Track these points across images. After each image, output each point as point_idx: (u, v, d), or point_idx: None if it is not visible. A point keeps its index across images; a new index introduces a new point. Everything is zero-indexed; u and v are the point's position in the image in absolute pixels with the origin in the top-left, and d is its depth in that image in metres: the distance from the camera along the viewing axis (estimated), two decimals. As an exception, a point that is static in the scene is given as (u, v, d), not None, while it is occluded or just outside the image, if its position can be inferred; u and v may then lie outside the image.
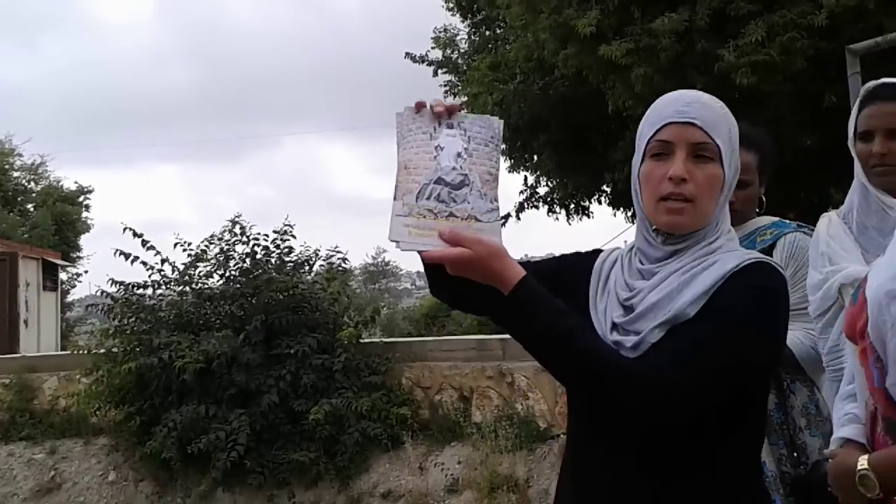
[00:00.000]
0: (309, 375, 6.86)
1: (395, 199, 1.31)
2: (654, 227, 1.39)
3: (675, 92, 1.43)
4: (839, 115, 2.03)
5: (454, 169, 1.33)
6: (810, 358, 2.04)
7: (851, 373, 1.60)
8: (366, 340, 7.64)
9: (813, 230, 2.11)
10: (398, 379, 7.22)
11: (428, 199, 1.31)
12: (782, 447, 2.03)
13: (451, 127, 1.35)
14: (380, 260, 24.79)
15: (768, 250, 2.15)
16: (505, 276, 1.28)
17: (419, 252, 1.30)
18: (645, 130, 1.39)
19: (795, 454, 2.03)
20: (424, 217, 1.30)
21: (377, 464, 6.85)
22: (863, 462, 1.42)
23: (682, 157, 1.34)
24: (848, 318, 1.55)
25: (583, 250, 1.61)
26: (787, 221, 2.27)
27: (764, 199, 2.27)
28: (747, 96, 5.94)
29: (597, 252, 1.56)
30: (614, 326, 1.37)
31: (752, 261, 1.33)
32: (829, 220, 2.02)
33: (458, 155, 1.34)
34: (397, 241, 1.29)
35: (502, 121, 1.44)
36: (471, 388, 6.89)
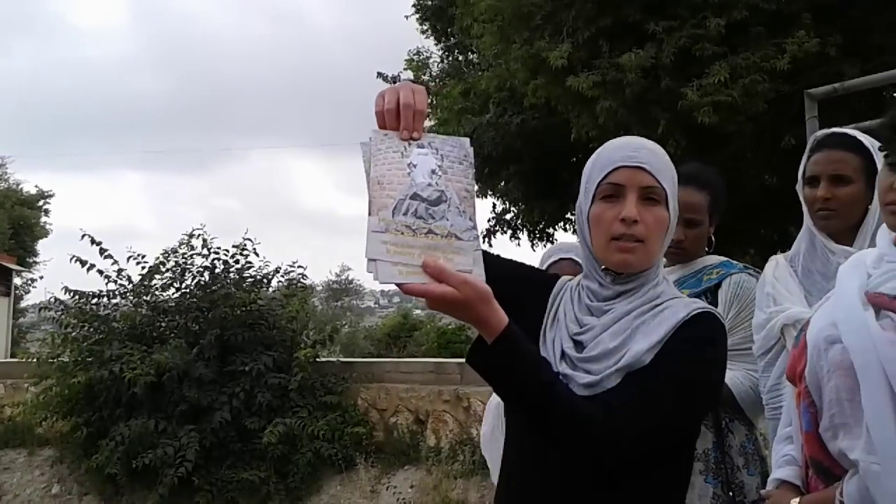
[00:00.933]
0: (263, 394, 6.78)
1: (369, 214, 1.24)
2: (602, 266, 1.43)
3: (621, 138, 1.48)
4: (798, 156, 2.09)
5: (430, 185, 1.29)
6: (749, 399, 2.08)
7: (790, 415, 1.62)
8: (323, 360, 7.58)
9: (759, 272, 2.16)
10: (354, 399, 7.17)
11: (405, 214, 1.25)
12: (716, 486, 2.05)
13: (421, 146, 1.32)
14: (343, 277, 24.62)
15: (714, 289, 2.19)
16: (490, 323, 1.25)
17: (398, 285, 1.22)
18: (594, 174, 1.42)
19: (731, 493, 2.04)
20: (402, 234, 1.24)
21: (329, 485, 6.78)
22: None
23: (633, 199, 1.38)
24: (790, 361, 1.57)
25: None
26: (734, 262, 2.31)
27: (713, 238, 2.30)
28: (711, 134, 6.04)
29: (557, 277, 1.59)
30: (563, 356, 1.39)
31: (699, 311, 1.37)
32: (776, 263, 2.07)
33: (433, 172, 1.31)
34: (374, 271, 1.21)
35: (468, 139, 1.41)
36: (427, 411, 6.86)
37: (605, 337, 1.37)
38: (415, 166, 1.29)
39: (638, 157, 1.39)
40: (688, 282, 2.23)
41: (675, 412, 1.32)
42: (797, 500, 1.45)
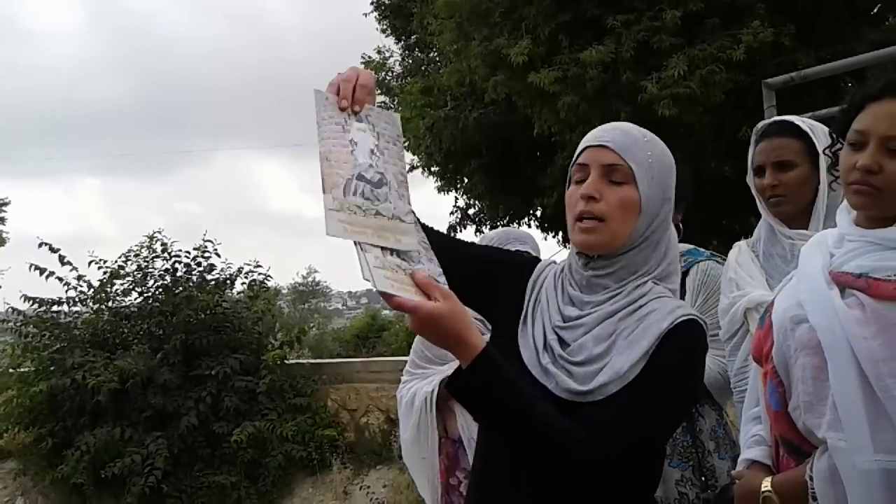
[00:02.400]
0: (231, 398, 6.70)
1: (324, 192, 1.26)
2: (577, 250, 1.43)
3: (603, 125, 1.48)
4: (757, 147, 2.13)
5: (371, 166, 1.32)
6: (718, 384, 2.11)
7: (756, 395, 1.63)
8: (291, 361, 7.51)
9: (725, 259, 2.19)
10: (324, 401, 7.12)
11: (354, 195, 1.28)
12: (685, 469, 2.07)
13: (360, 120, 1.36)
14: (310, 279, 24.46)
15: (681, 277, 2.21)
16: (470, 341, 1.21)
17: (383, 294, 1.18)
18: (573, 160, 1.44)
19: (704, 478, 2.07)
20: (355, 213, 1.26)
21: (300, 488, 6.72)
22: (766, 484, 1.45)
23: (594, 176, 1.37)
24: (755, 342, 1.59)
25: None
26: (702, 250, 2.34)
27: (681, 226, 2.32)
28: (671, 126, 6.12)
29: (536, 261, 1.56)
30: (546, 347, 1.37)
31: (683, 320, 1.33)
32: (738, 249, 2.12)
33: (372, 152, 1.34)
34: (371, 279, 1.18)
35: (399, 115, 1.45)
36: (397, 410, 6.83)
37: (589, 341, 1.34)
38: (356, 144, 1.33)
39: (603, 137, 1.39)
40: None
41: (658, 428, 1.32)
42: (768, 479, 1.46)
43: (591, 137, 1.41)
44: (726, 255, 2.18)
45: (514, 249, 2.22)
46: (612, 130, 1.41)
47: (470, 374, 1.21)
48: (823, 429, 1.32)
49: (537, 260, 1.57)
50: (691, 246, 2.35)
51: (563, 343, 1.37)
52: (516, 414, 1.22)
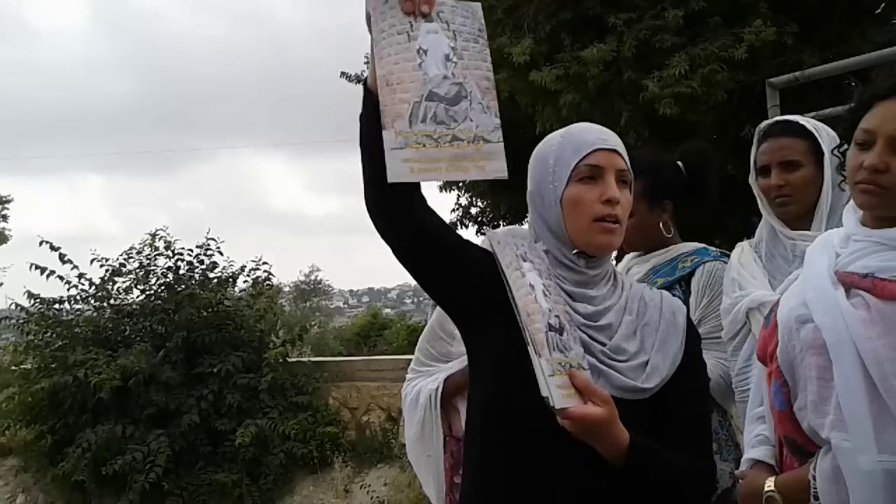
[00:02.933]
0: (233, 395, 6.72)
1: (384, 128, 1.08)
2: (574, 250, 1.42)
3: (581, 124, 1.51)
4: (760, 146, 2.12)
5: (446, 77, 1.13)
6: (720, 388, 2.09)
7: (760, 395, 1.63)
8: (293, 360, 7.52)
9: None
10: (325, 399, 7.13)
11: (423, 122, 1.10)
12: None
13: (430, 21, 1.14)
14: (312, 278, 24.48)
15: (687, 277, 2.19)
16: (620, 436, 1.26)
17: (556, 408, 1.14)
18: (567, 157, 1.42)
19: None
20: (424, 146, 1.09)
21: (301, 485, 6.73)
22: (769, 484, 1.45)
23: (612, 180, 1.40)
24: (760, 341, 1.58)
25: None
26: (710, 250, 2.29)
27: (669, 224, 2.27)
28: (673, 125, 6.11)
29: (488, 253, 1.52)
30: (583, 347, 1.35)
31: (685, 310, 1.51)
32: (741, 249, 2.11)
33: (447, 58, 1.14)
34: (549, 396, 1.12)
35: (479, 4, 1.22)
36: (399, 408, 6.82)
37: (621, 339, 1.39)
38: (425, 53, 1.13)
39: (610, 141, 1.43)
40: (662, 270, 2.23)
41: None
42: (772, 479, 1.46)
43: (596, 140, 1.42)
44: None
45: None
46: (610, 135, 1.45)
47: (623, 470, 1.27)
48: (827, 429, 1.32)
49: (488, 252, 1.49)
50: (700, 245, 2.31)
51: (599, 342, 1.38)
52: (668, 481, 1.34)
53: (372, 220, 1.35)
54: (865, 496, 1.25)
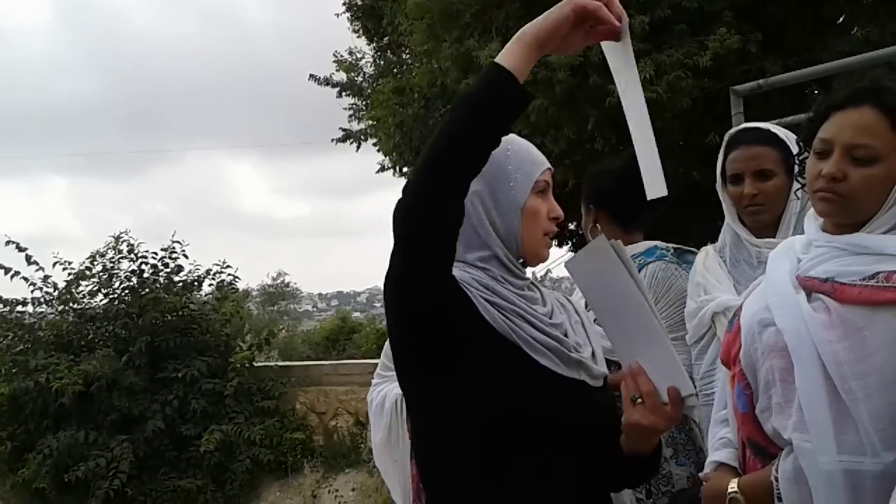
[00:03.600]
0: (198, 400, 6.65)
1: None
2: (520, 258, 1.47)
3: (519, 139, 1.52)
4: (724, 153, 2.14)
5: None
6: None
7: (724, 398, 1.65)
8: (260, 364, 7.46)
9: (692, 251, 2.21)
10: (292, 404, 7.08)
11: None
12: None
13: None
14: (279, 281, 24.28)
15: None
16: None
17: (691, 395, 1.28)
18: (529, 169, 1.45)
19: (658, 484, 2.07)
20: None
21: (268, 491, 6.68)
22: (733, 485, 1.47)
23: (553, 199, 1.51)
24: (724, 345, 1.61)
25: None
26: (658, 248, 2.30)
27: (596, 229, 2.32)
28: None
29: None
30: (562, 344, 1.40)
31: (580, 304, 1.61)
32: (706, 254, 2.14)
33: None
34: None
35: None
36: (367, 413, 6.79)
37: (572, 333, 1.46)
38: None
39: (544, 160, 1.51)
40: None
41: None
42: (735, 480, 1.48)
43: (543, 159, 1.49)
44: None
45: None
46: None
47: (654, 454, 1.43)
48: (789, 430, 1.34)
49: None
50: (651, 244, 2.31)
51: (565, 338, 1.43)
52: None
53: (413, 213, 1.24)
54: (827, 496, 1.27)
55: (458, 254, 1.34)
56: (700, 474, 1.72)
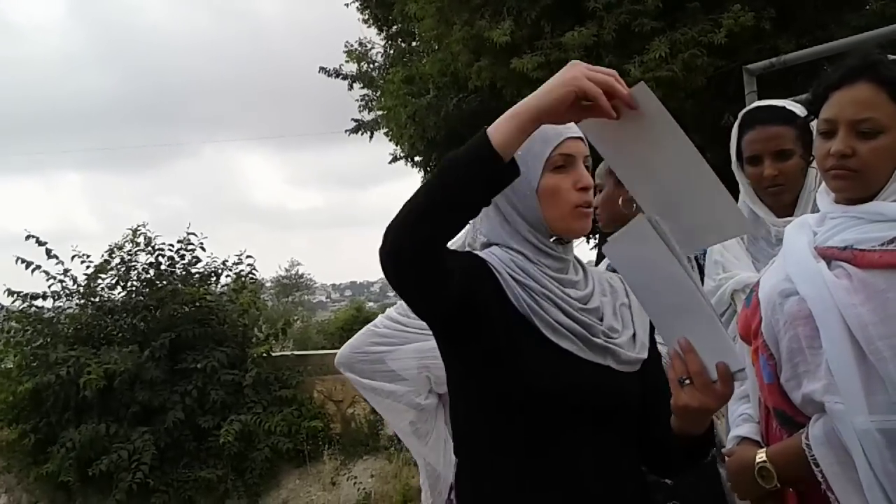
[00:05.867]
0: (217, 391, 6.69)
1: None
2: (553, 237, 1.44)
3: None
4: (737, 133, 2.11)
5: None
6: None
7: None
8: (277, 354, 7.50)
9: None
10: (310, 392, 7.11)
11: None
12: None
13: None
14: (293, 272, 24.39)
15: None
16: None
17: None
18: (538, 148, 1.42)
19: None
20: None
21: (287, 479, 6.72)
22: (761, 455, 1.50)
23: (582, 167, 1.44)
24: (742, 320, 1.62)
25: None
26: None
27: (630, 201, 2.28)
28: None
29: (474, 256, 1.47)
30: (589, 329, 1.38)
31: None
32: None
33: None
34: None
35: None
36: (384, 399, 6.83)
37: (610, 317, 1.45)
38: None
39: (574, 128, 1.42)
40: None
41: None
42: (763, 451, 1.50)
43: (563, 129, 1.42)
44: None
45: None
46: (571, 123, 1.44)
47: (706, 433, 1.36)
48: (820, 393, 1.36)
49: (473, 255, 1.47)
50: None
51: (597, 323, 1.42)
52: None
53: (400, 280, 1.29)
54: (865, 454, 1.30)
55: (500, 237, 1.45)
56: (724, 450, 1.72)
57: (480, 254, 1.44)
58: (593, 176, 1.69)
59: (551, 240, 1.44)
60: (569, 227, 1.44)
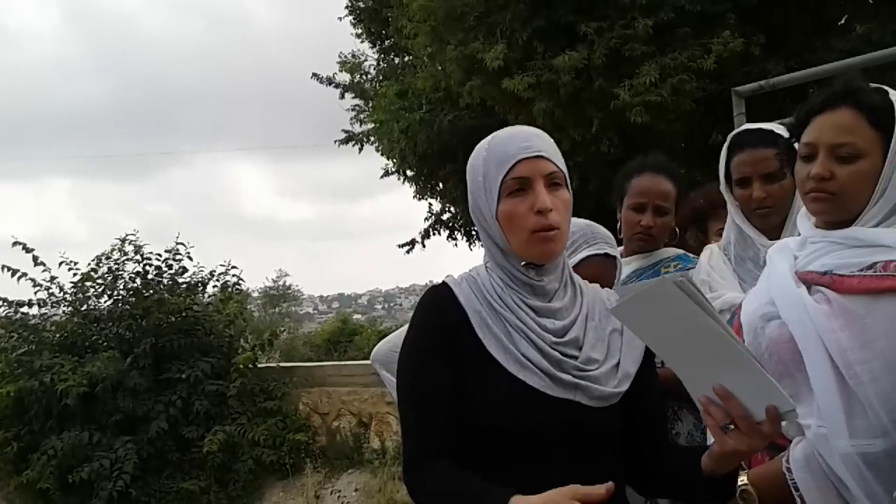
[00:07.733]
0: (201, 401, 6.66)
1: None
2: (523, 262, 1.41)
3: (504, 130, 1.47)
4: (725, 153, 2.13)
5: None
6: None
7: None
8: (262, 365, 7.47)
9: None
10: (295, 405, 7.09)
11: None
12: None
13: None
14: (280, 283, 24.23)
15: None
16: None
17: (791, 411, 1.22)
18: (493, 172, 1.40)
19: None
20: None
21: (271, 492, 6.69)
22: (743, 478, 1.50)
23: (541, 188, 1.37)
24: None
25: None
26: (691, 256, 2.31)
27: (677, 230, 2.32)
28: (643, 132, 6.18)
29: (440, 298, 1.44)
30: (557, 365, 1.36)
31: None
32: (710, 252, 2.13)
33: None
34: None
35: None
36: (370, 413, 6.82)
37: (589, 349, 1.39)
38: None
39: (533, 147, 1.39)
40: (645, 274, 2.25)
41: None
42: (744, 473, 1.50)
43: (517, 150, 1.38)
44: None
45: (601, 252, 1.98)
46: (532, 138, 1.42)
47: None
48: (802, 417, 1.37)
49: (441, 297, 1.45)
50: (681, 251, 2.32)
51: (571, 357, 1.38)
52: None
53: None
54: (847, 478, 1.32)
55: (490, 261, 1.45)
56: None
57: (457, 280, 1.45)
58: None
59: (522, 265, 1.41)
60: (528, 253, 1.38)
